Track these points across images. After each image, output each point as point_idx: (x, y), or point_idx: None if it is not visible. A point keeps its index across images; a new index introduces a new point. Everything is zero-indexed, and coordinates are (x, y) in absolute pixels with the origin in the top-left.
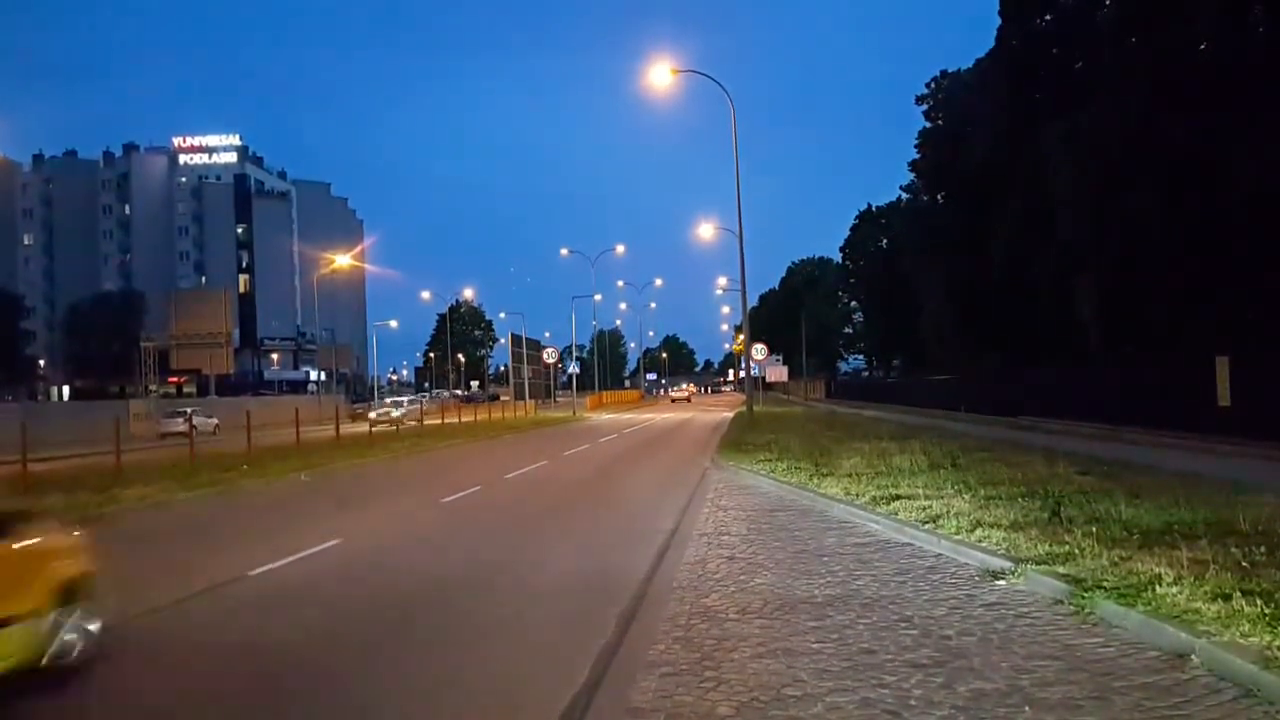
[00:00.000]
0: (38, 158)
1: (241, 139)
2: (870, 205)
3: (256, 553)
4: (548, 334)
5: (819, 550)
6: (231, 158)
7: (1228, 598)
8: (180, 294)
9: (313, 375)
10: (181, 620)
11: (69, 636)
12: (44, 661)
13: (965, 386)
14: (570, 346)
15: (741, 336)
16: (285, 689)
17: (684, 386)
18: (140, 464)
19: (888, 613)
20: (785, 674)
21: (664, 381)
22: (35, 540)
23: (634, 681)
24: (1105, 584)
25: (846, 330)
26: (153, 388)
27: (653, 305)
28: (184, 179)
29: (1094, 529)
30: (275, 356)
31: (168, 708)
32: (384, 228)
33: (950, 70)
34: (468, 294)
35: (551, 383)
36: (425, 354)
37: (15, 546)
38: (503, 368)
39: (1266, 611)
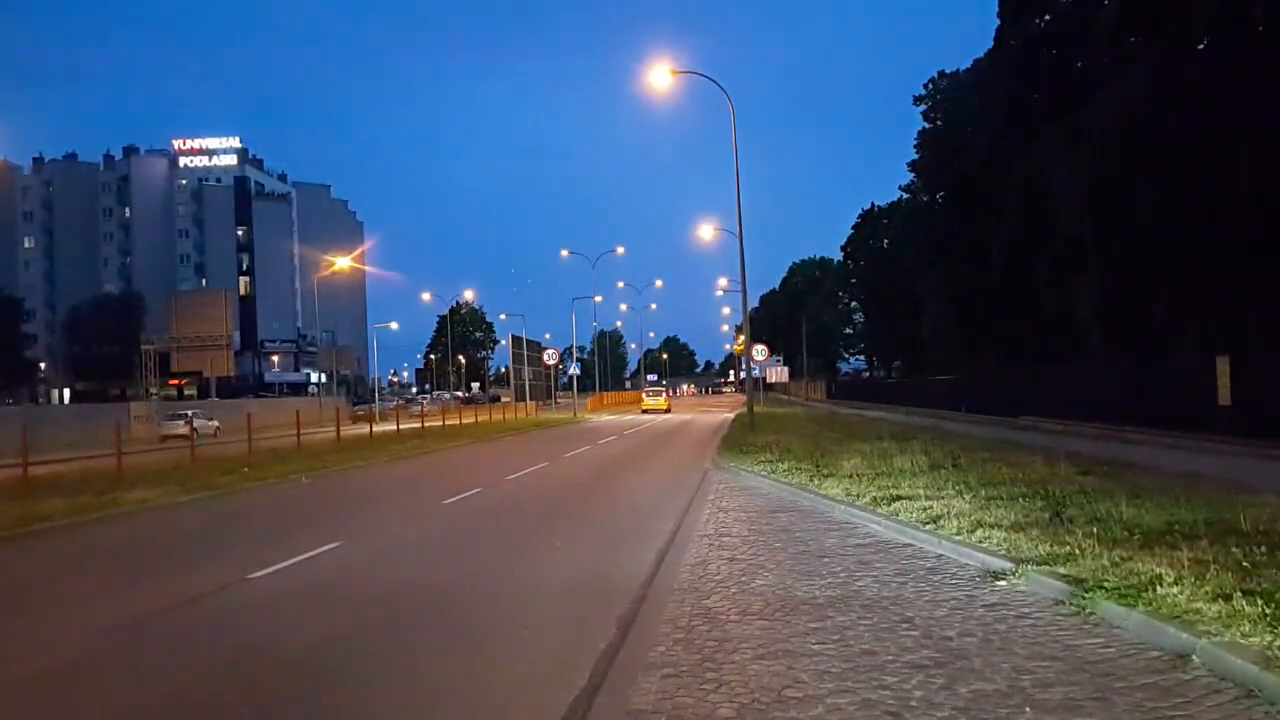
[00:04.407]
0: (38, 160)
1: (241, 141)
2: (873, 205)
3: (257, 556)
4: (548, 335)
5: (820, 551)
6: (231, 160)
7: (1228, 598)
8: (181, 296)
9: (313, 377)
10: (182, 623)
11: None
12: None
13: (966, 387)
14: (571, 348)
15: (742, 337)
16: (285, 691)
17: (662, 389)
18: (141, 467)
19: (888, 614)
20: (786, 675)
21: (665, 383)
22: (667, 395)
23: (635, 683)
24: (1106, 584)
25: (847, 331)
26: (153, 390)
27: (653, 306)
28: (184, 181)
29: (1095, 529)
30: (276, 359)
31: (167, 708)
32: (384, 230)
33: (948, 71)
34: (468, 295)
35: (552, 384)
36: (426, 356)
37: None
38: (503, 369)
39: (1267, 612)
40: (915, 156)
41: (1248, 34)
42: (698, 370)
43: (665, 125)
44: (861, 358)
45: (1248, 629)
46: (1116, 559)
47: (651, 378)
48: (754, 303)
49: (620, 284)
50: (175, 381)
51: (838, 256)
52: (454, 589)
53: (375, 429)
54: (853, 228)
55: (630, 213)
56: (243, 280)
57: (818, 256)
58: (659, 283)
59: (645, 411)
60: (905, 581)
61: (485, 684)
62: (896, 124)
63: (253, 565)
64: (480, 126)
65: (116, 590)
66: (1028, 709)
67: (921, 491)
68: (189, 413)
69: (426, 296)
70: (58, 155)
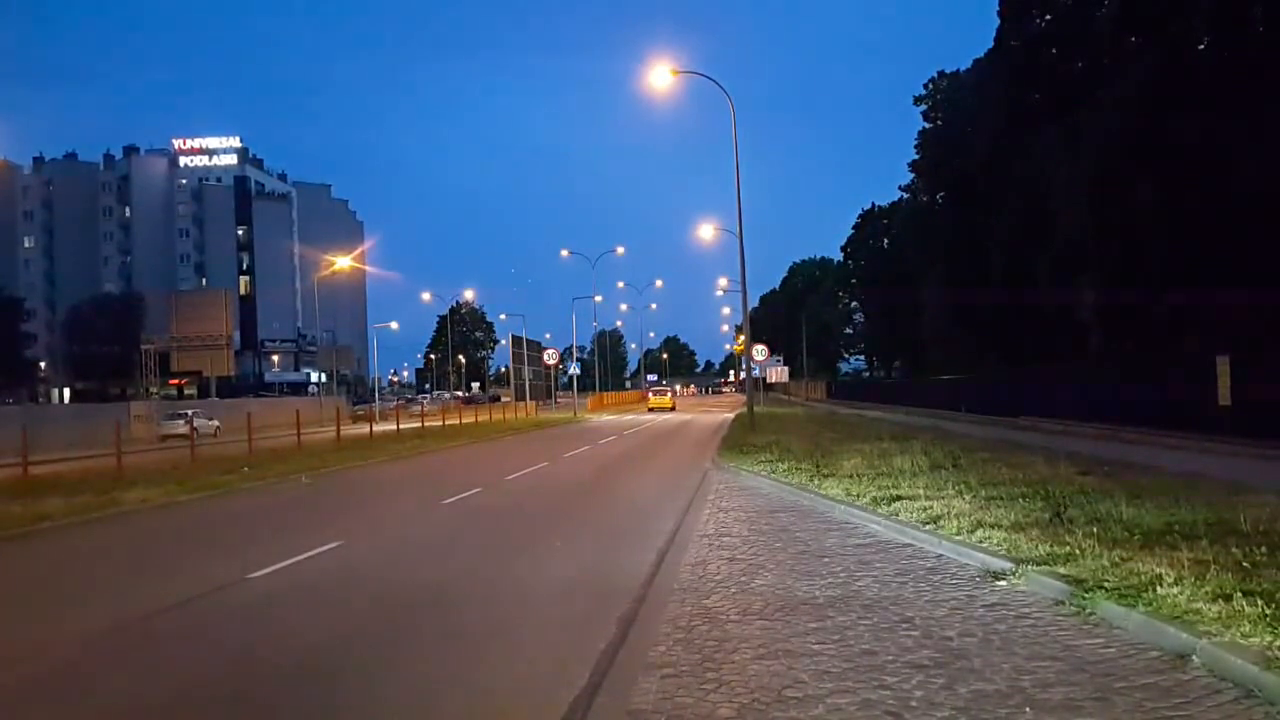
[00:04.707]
0: (38, 160)
1: (242, 141)
2: (873, 205)
3: (257, 555)
4: (548, 335)
5: (820, 551)
6: (232, 160)
7: (1228, 598)
8: (181, 296)
9: (314, 377)
10: (181, 623)
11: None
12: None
13: (966, 387)
14: (571, 347)
15: (742, 337)
16: (286, 691)
17: (665, 389)
18: (141, 466)
19: (889, 614)
20: (786, 675)
21: (664, 383)
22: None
23: (635, 683)
24: (1106, 585)
25: (847, 330)
26: (154, 390)
27: (653, 306)
28: (184, 181)
29: (1095, 529)
30: (276, 358)
31: (168, 708)
32: (384, 229)
33: (948, 71)
34: (468, 295)
35: (552, 384)
36: (426, 355)
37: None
38: (503, 369)
39: (1267, 612)
40: (915, 156)
41: (1248, 34)
42: (698, 370)
43: (665, 125)
44: (861, 358)
45: (1248, 629)
46: (1116, 559)
47: (651, 378)
48: (754, 303)
49: (620, 284)
50: (175, 381)
51: (838, 256)
52: (454, 588)
53: (375, 429)
54: (853, 228)
55: (630, 213)
56: (243, 280)
57: (818, 256)
58: (659, 283)
59: (652, 409)
60: (905, 581)
61: (485, 684)
62: (896, 124)
63: (252, 565)
64: (480, 126)
65: (116, 590)
66: (1028, 709)
67: (921, 491)
68: (189, 412)
69: (426, 296)
70: (58, 155)
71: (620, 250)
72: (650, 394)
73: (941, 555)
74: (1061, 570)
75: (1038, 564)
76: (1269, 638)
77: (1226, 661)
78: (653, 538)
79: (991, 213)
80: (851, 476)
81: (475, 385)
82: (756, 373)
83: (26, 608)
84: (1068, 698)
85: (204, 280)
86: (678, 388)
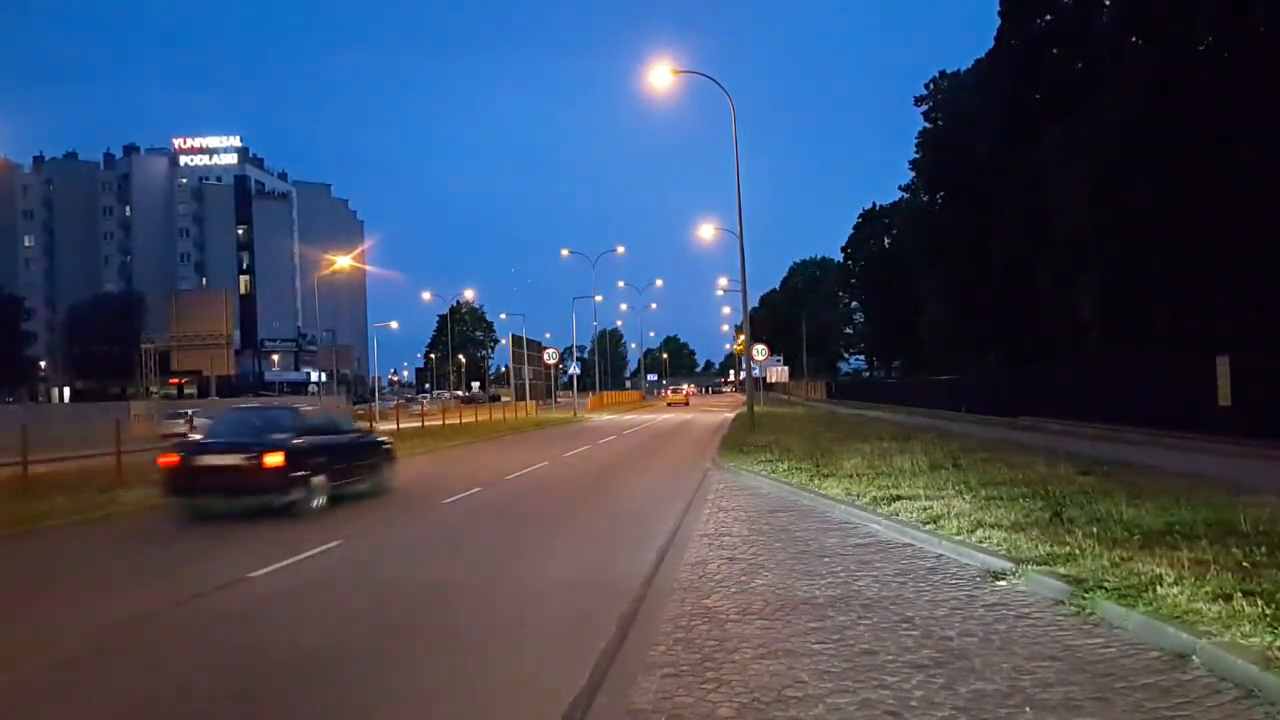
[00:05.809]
0: (38, 159)
1: (242, 140)
2: (874, 205)
3: (258, 554)
4: (548, 335)
5: (820, 551)
6: (232, 159)
7: (1229, 598)
8: (181, 295)
9: (314, 376)
10: (182, 621)
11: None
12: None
13: (966, 387)
14: (571, 347)
15: (742, 337)
16: (286, 690)
17: (682, 388)
18: (141, 465)
19: (888, 613)
20: (786, 675)
21: (665, 382)
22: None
23: (635, 682)
24: (1106, 585)
25: (847, 330)
26: (154, 389)
27: (653, 306)
28: (184, 180)
29: (1095, 529)
30: (276, 358)
31: (166, 707)
32: (385, 229)
33: (949, 71)
34: (468, 295)
35: (552, 383)
36: (426, 355)
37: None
38: (503, 368)
39: (1267, 612)
40: (915, 156)
41: (1248, 34)
42: (698, 370)
43: (666, 125)
44: (861, 358)
45: (1248, 629)
46: (1116, 559)
47: (651, 377)
48: (754, 302)
49: (620, 284)
50: (175, 380)
51: (838, 256)
52: (453, 588)
53: (375, 428)
54: (853, 228)
55: (630, 213)
56: (243, 279)
57: (818, 256)
58: (659, 282)
59: (670, 404)
60: (905, 581)
61: (485, 683)
62: (896, 124)
63: (253, 564)
64: (481, 126)
65: (116, 588)
66: (1027, 709)
67: (921, 491)
68: (189, 411)
69: (427, 296)
70: (58, 154)
71: (620, 250)
72: (669, 392)
73: (941, 555)
74: (1061, 570)
75: (1038, 564)
76: (1269, 638)
77: (1226, 661)
78: (653, 537)
79: (991, 213)
80: (851, 476)
81: (475, 385)
82: (756, 372)
83: (25, 606)
84: (1067, 697)
85: (204, 280)
86: (684, 386)
